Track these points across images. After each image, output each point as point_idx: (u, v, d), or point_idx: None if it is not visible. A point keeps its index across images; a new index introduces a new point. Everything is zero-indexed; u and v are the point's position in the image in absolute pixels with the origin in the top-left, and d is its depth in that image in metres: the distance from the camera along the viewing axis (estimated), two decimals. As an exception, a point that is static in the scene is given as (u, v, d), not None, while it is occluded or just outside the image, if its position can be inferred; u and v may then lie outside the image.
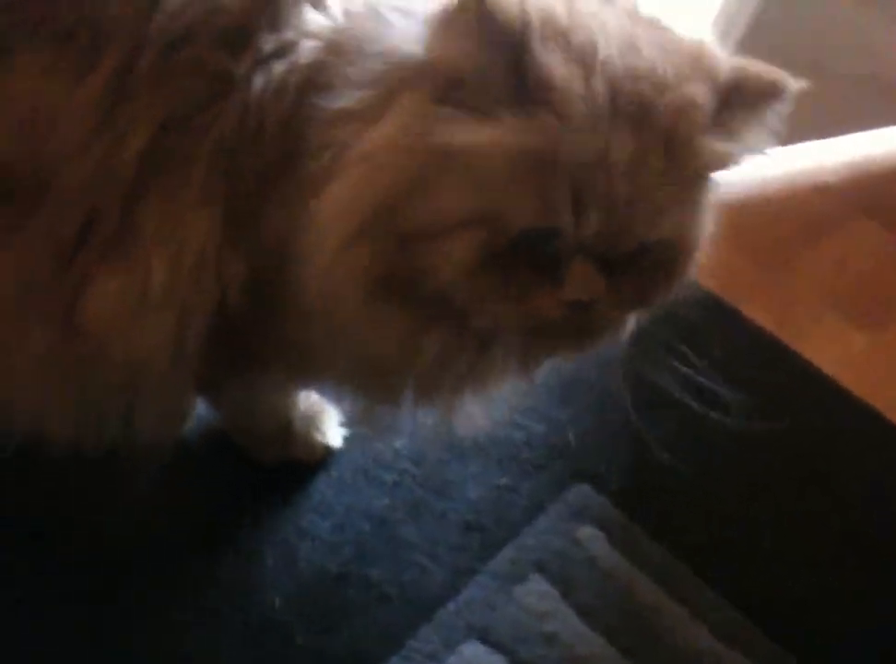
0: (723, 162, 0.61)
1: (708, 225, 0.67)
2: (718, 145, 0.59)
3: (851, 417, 1.26)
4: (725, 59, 0.62)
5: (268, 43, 0.64)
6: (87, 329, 0.69)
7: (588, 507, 1.05)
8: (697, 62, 0.60)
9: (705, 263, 0.69)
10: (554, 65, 0.55)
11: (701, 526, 1.07)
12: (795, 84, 0.62)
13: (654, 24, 0.62)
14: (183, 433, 1.00)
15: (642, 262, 0.62)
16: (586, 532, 1.02)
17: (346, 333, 0.67)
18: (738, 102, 0.60)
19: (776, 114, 0.63)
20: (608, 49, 0.57)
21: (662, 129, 0.57)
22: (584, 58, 0.56)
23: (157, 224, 0.67)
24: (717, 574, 1.02)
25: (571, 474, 1.08)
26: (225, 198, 0.66)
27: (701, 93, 0.58)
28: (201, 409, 0.99)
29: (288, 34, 0.65)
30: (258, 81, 0.64)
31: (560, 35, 0.56)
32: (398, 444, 1.04)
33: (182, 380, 0.75)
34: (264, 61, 0.64)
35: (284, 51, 0.65)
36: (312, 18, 0.65)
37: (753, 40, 1.36)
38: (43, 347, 0.71)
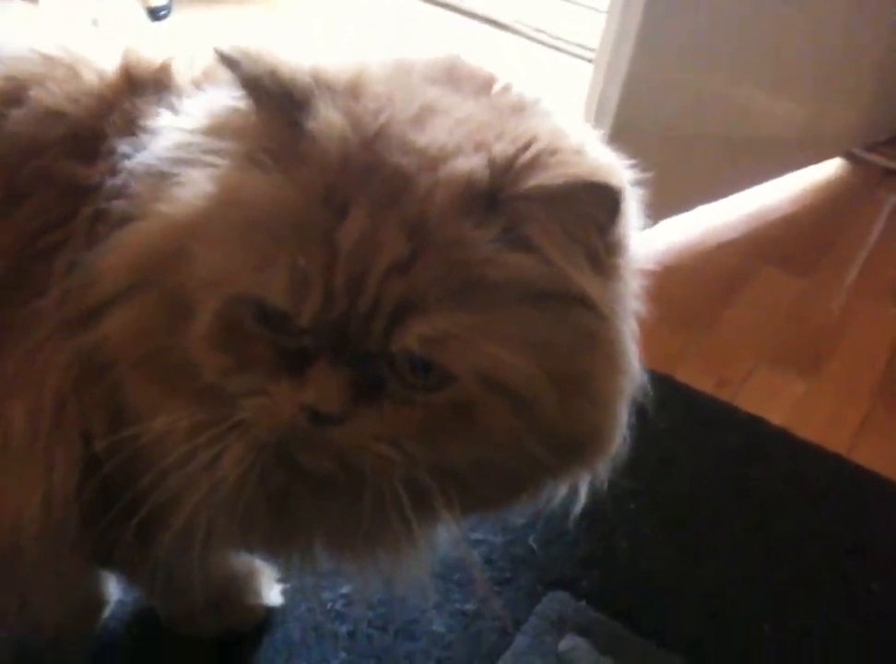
0: (523, 277, 0.50)
1: (586, 381, 0.54)
2: (512, 255, 0.49)
3: (817, 465, 1.21)
4: (535, 158, 0.50)
5: (123, 149, 0.58)
6: None
7: (566, 615, 0.95)
8: (501, 154, 0.50)
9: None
10: (325, 121, 0.50)
11: (690, 615, 0.98)
12: (620, 181, 0.50)
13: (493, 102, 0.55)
14: (105, 621, 0.89)
15: (421, 391, 0.51)
16: (569, 643, 0.92)
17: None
18: (531, 206, 0.49)
19: (598, 229, 0.51)
20: (393, 117, 0.51)
21: (411, 212, 0.48)
22: (360, 122, 0.50)
23: (15, 365, 0.59)
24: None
25: (542, 583, 0.99)
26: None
27: (472, 178, 0.49)
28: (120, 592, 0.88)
29: (143, 138, 0.58)
30: (110, 189, 0.57)
31: (345, 97, 0.52)
32: (346, 588, 0.93)
33: (69, 552, 0.64)
34: (118, 168, 0.58)
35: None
36: (169, 120, 0.59)
37: (627, 116, 1.38)
38: None
